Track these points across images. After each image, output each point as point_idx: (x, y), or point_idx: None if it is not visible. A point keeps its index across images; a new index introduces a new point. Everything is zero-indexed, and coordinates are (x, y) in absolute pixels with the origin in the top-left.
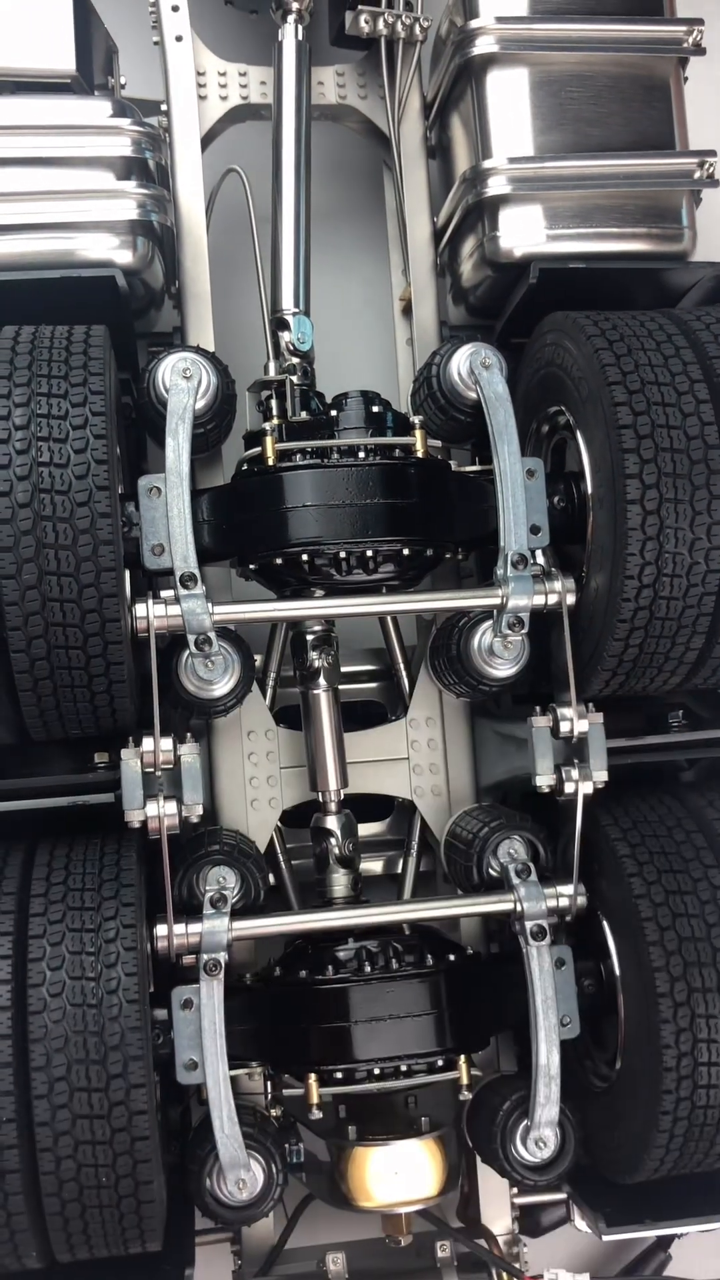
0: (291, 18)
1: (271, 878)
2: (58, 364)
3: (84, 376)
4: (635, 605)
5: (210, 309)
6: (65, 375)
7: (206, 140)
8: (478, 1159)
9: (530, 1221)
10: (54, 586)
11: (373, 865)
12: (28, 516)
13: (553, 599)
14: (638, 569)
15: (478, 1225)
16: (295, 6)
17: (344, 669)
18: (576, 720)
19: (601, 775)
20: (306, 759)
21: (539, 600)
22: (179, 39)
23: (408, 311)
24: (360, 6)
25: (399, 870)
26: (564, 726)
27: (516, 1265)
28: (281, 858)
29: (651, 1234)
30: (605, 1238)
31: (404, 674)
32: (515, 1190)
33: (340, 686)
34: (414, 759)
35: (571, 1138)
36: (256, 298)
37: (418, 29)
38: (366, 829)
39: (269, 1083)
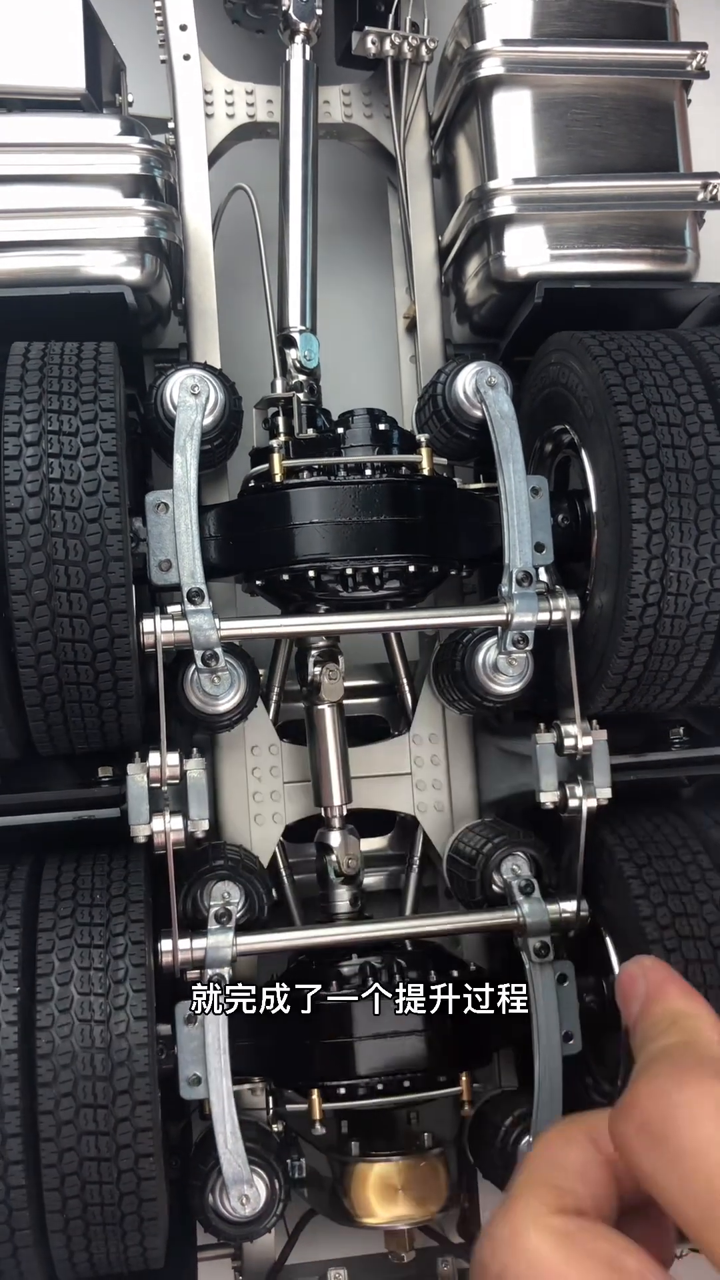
0: (299, 38)
1: (274, 893)
2: (68, 380)
3: (94, 393)
4: (640, 623)
5: (216, 325)
6: (75, 392)
7: (213, 158)
8: (478, 1175)
9: None
10: (64, 602)
11: (374, 880)
12: (38, 533)
13: (557, 616)
14: (643, 587)
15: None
16: (303, 27)
17: (347, 684)
18: (580, 737)
19: (605, 792)
20: (311, 774)
21: (543, 617)
22: (187, 57)
23: (412, 329)
24: (367, 28)
25: (400, 885)
26: (568, 743)
27: None
28: (284, 873)
29: None
30: None
31: (407, 690)
32: None
33: (344, 702)
34: (417, 775)
35: None
36: (261, 315)
37: (424, 50)
38: (368, 844)
39: (270, 1098)
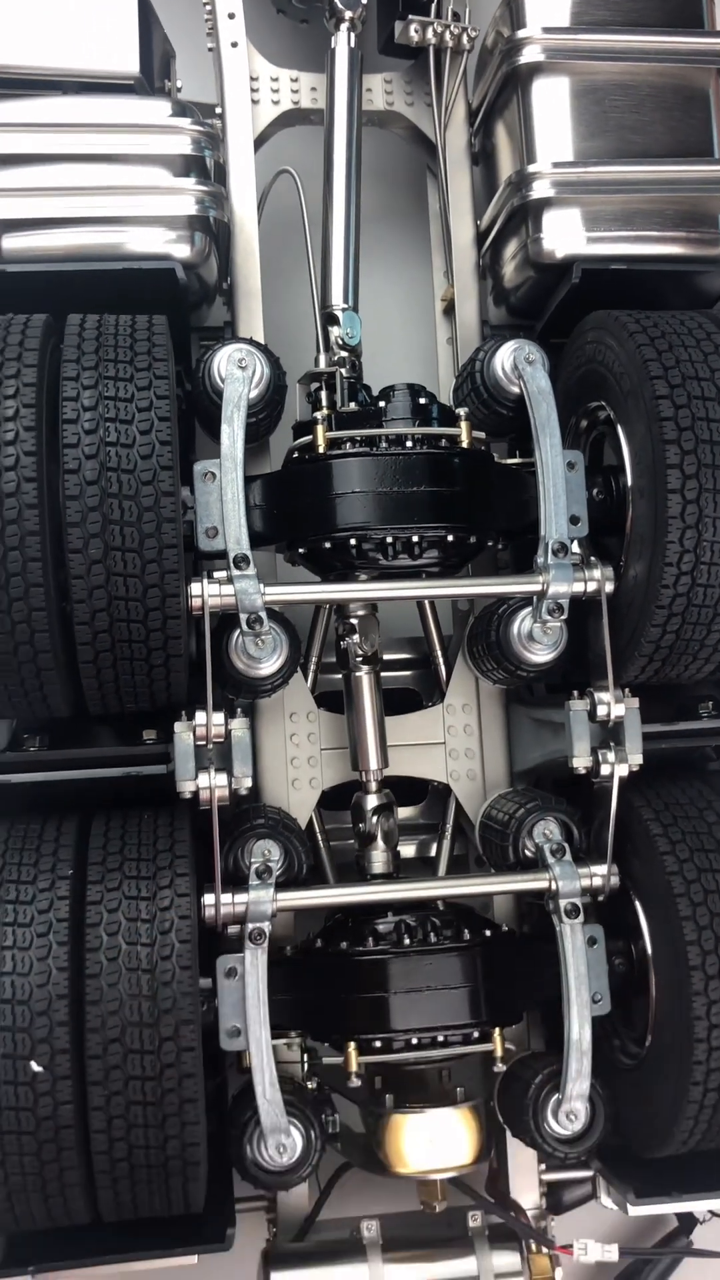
0: (344, 26)
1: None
2: (123, 349)
3: (149, 362)
4: (674, 592)
5: (260, 305)
6: (131, 360)
7: (258, 143)
8: (507, 1135)
9: (552, 1199)
10: (118, 561)
11: (407, 849)
12: (95, 494)
13: (592, 586)
14: (677, 556)
15: (507, 1200)
16: (348, 15)
17: (385, 658)
18: (613, 704)
19: (637, 758)
20: (349, 739)
21: (578, 587)
22: (234, 45)
23: (449, 312)
24: (410, 17)
25: (432, 854)
26: (600, 710)
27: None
28: (320, 837)
29: (677, 1208)
30: (632, 1211)
31: (441, 661)
32: (544, 1167)
33: (380, 674)
34: (450, 744)
35: (601, 1111)
36: (303, 297)
37: (465, 39)
38: (402, 813)
39: (306, 1055)
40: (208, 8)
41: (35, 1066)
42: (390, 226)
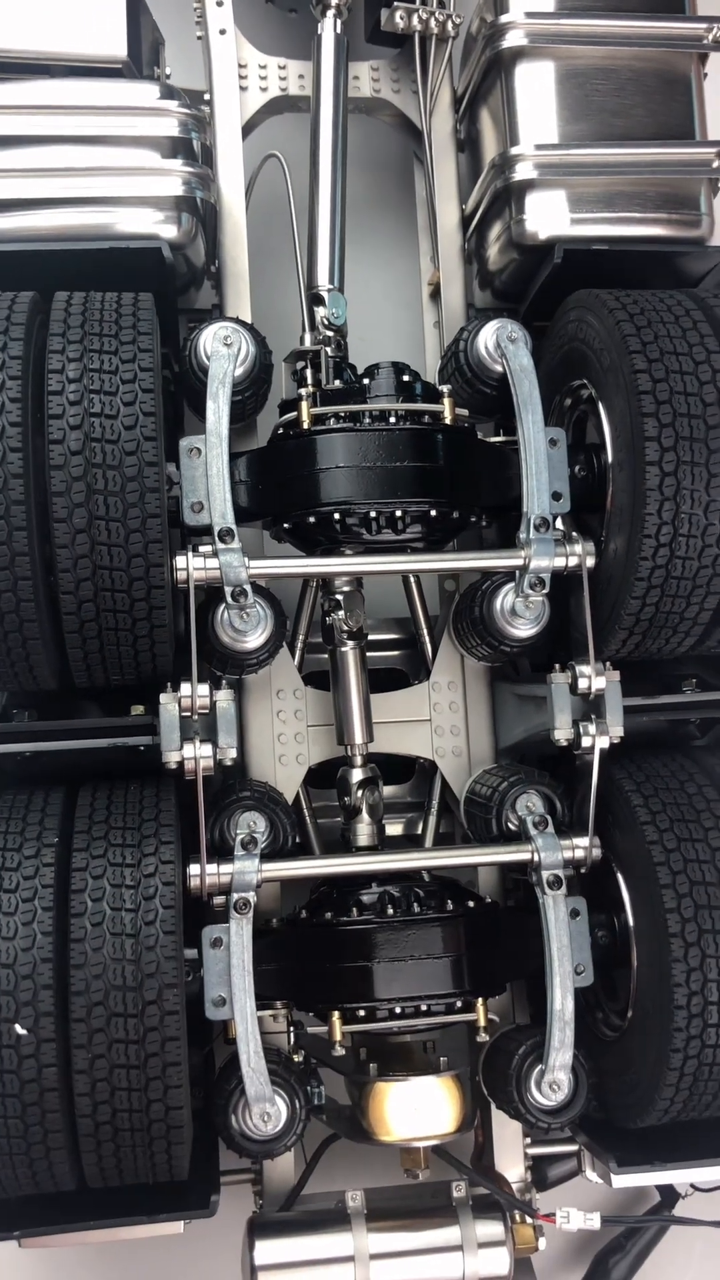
0: (331, 13)
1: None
2: (108, 324)
3: (133, 335)
4: (652, 564)
5: (248, 287)
6: (115, 334)
7: (246, 130)
8: (492, 1108)
9: (537, 1175)
10: (102, 531)
11: (393, 827)
12: (79, 464)
13: (573, 561)
14: (655, 528)
15: (492, 1173)
16: (334, 3)
17: (370, 638)
18: (594, 677)
19: (618, 730)
20: (335, 714)
21: (560, 562)
22: (222, 32)
23: (435, 295)
24: (395, 4)
25: (419, 831)
26: (582, 684)
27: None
28: (307, 813)
29: (660, 1177)
30: (616, 1180)
31: (427, 639)
32: (528, 1140)
33: (366, 654)
34: (436, 720)
35: (585, 1082)
36: (290, 280)
37: (450, 25)
38: (388, 791)
39: (292, 1027)
40: None
41: (19, 1029)
42: (377, 212)
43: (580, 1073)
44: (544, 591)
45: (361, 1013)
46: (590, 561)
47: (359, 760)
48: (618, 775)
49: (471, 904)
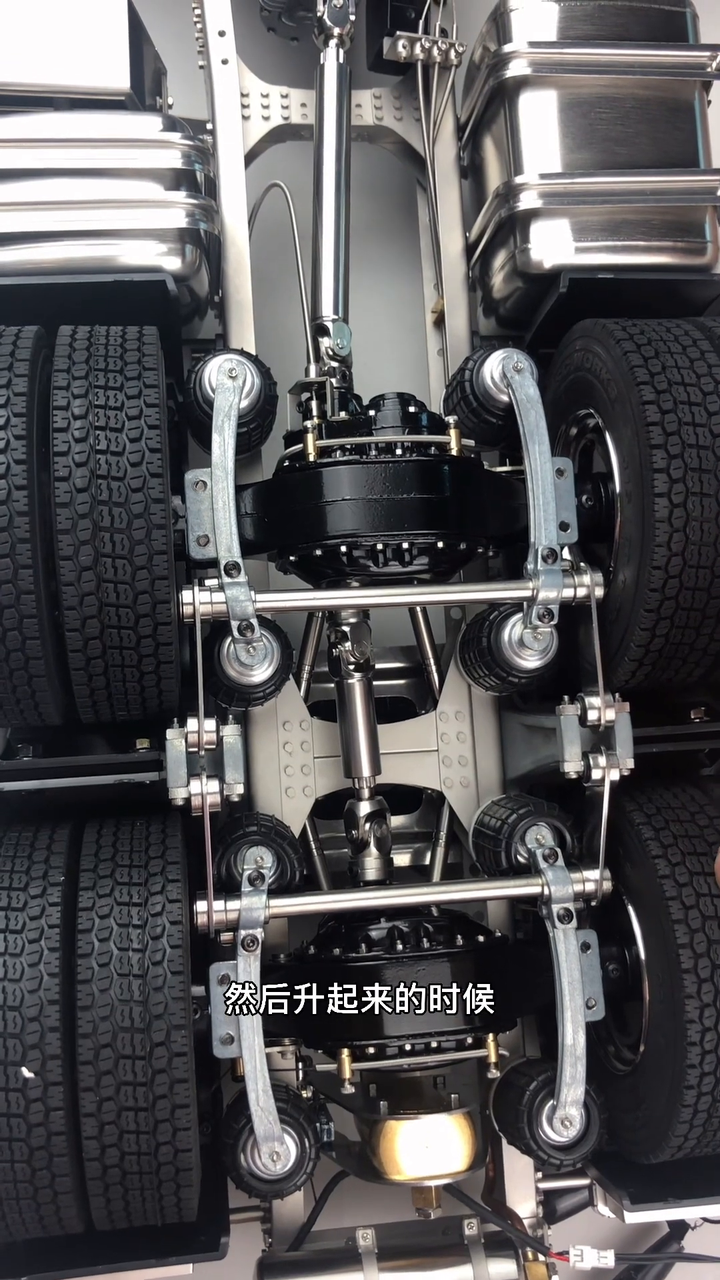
0: (333, 42)
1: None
2: (114, 359)
3: (139, 371)
4: (662, 596)
5: (252, 316)
6: (121, 370)
7: (249, 159)
8: (503, 1143)
9: (549, 1208)
10: (109, 569)
11: (401, 858)
12: (85, 501)
13: (581, 591)
14: (664, 560)
15: (503, 1209)
16: (337, 31)
17: (377, 666)
18: (604, 709)
19: (629, 762)
20: (341, 746)
21: (568, 593)
22: (225, 62)
23: (440, 324)
24: (398, 33)
25: (426, 862)
26: (592, 715)
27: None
28: (314, 845)
29: (673, 1214)
30: (629, 1217)
31: (434, 669)
32: (539, 1175)
33: (373, 683)
34: (443, 751)
35: (597, 1118)
36: (293, 310)
37: (453, 54)
38: (395, 822)
39: (300, 1063)
40: (198, 26)
41: (26, 1072)
42: (381, 240)
43: (592, 1108)
44: (552, 623)
45: (371, 1050)
46: (599, 592)
47: (366, 793)
48: (629, 807)
49: (481, 938)
